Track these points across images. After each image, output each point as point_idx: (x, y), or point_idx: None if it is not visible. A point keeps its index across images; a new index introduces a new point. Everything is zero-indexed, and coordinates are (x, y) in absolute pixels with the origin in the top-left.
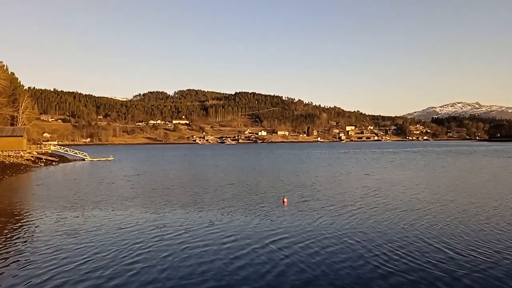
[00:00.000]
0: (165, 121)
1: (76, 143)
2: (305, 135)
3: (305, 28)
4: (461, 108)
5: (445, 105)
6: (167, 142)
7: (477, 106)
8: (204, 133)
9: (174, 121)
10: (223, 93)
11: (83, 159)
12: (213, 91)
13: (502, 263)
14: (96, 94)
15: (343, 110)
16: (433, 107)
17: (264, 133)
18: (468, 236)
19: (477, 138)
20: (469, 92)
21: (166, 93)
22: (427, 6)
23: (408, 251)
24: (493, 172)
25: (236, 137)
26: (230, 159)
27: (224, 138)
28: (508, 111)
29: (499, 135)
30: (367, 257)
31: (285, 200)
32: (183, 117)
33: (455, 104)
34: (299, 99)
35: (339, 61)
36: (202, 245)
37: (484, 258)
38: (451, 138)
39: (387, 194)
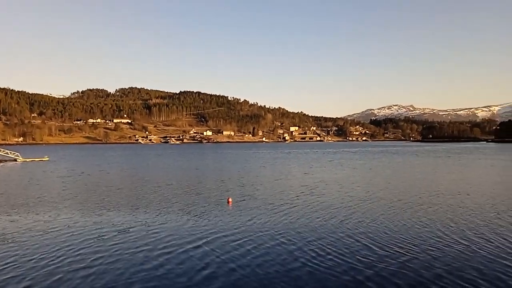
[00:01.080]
0: (106, 120)
1: (7, 142)
2: (250, 135)
3: (249, 29)
4: (397, 111)
5: (383, 108)
6: (108, 141)
7: (411, 108)
8: (147, 132)
9: (115, 120)
10: (167, 92)
11: (15, 160)
12: (157, 89)
13: (420, 256)
14: (30, 90)
15: (287, 111)
16: (372, 109)
17: (209, 133)
18: (392, 232)
19: (411, 138)
20: (404, 96)
21: (106, 90)
22: (365, 7)
23: (336, 248)
24: (423, 171)
25: (181, 137)
26: (174, 159)
27: (168, 138)
28: (439, 113)
29: (431, 136)
30: (297, 254)
31: (230, 200)
32: (125, 116)
33: (391, 106)
34: (245, 100)
35: (284, 63)
36: (134, 248)
37: (404, 252)
38: (388, 139)
39: (323, 192)
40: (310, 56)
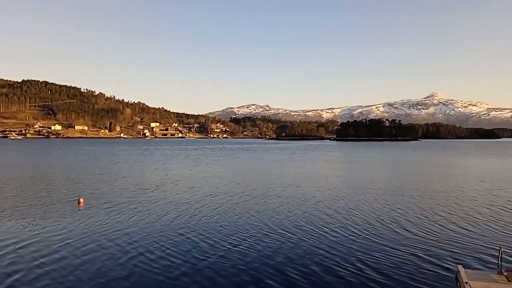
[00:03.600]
0: None
1: None
2: (107, 130)
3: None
4: (255, 110)
5: (242, 106)
6: None
7: (267, 108)
8: None
9: None
10: (6, 80)
11: None
12: None
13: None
14: None
15: (147, 106)
16: (232, 107)
17: (58, 127)
18: (207, 225)
19: (267, 136)
20: (261, 96)
21: None
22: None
23: (163, 244)
24: (271, 166)
25: (23, 131)
26: (14, 156)
27: (7, 133)
28: (291, 114)
29: (284, 134)
30: (132, 254)
31: (81, 200)
32: None
33: (250, 105)
34: (100, 92)
35: (143, 56)
36: None
37: (215, 247)
38: (247, 136)
39: (170, 189)
40: (172, 52)
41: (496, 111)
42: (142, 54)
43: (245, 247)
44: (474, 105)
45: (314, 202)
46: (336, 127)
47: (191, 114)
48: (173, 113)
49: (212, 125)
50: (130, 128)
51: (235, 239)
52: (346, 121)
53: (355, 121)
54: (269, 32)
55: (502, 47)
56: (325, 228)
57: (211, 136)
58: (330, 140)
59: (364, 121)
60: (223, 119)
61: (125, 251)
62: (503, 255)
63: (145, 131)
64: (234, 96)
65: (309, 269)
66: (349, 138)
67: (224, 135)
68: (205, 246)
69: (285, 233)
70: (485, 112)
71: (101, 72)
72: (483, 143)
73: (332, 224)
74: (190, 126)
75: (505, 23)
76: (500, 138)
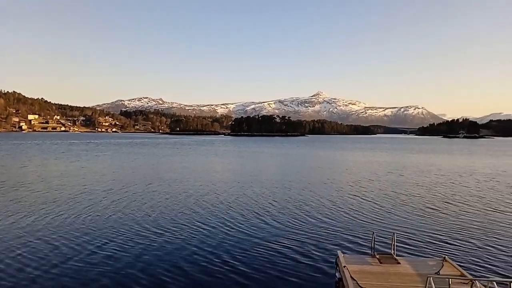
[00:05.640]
0: None
1: None
2: None
3: None
4: (147, 103)
5: (133, 99)
6: None
7: (161, 102)
8: None
9: None
10: None
11: None
12: None
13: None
14: None
15: (24, 96)
16: (122, 100)
17: None
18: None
19: (160, 131)
20: (154, 89)
21: None
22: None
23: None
24: (159, 161)
25: None
26: None
27: None
28: (186, 108)
29: (178, 129)
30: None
31: None
32: None
33: (142, 98)
34: None
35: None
36: None
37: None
38: (139, 131)
39: (39, 187)
40: (51, 35)
41: (372, 109)
42: (17, 37)
43: (112, 248)
44: (354, 104)
45: (195, 197)
46: (230, 123)
47: (76, 106)
48: (55, 104)
49: (100, 118)
50: (4, 120)
51: (101, 240)
52: (240, 117)
53: (248, 117)
54: (166, 24)
55: (376, 52)
56: (200, 224)
57: (99, 130)
58: (225, 135)
59: (257, 117)
60: (112, 112)
61: None
62: (375, 240)
63: (21, 124)
64: (124, 88)
65: (178, 268)
66: (242, 133)
67: (114, 129)
68: (66, 250)
69: (158, 231)
70: (363, 111)
71: None
72: (361, 139)
73: (209, 219)
74: (75, 119)
75: (378, 34)
76: (375, 134)
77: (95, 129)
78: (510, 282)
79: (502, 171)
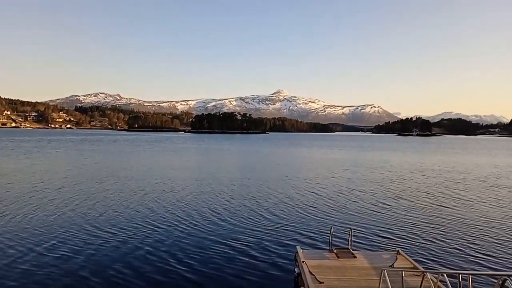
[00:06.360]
0: None
1: None
2: None
3: None
4: (104, 99)
5: (89, 95)
6: None
7: (118, 97)
8: None
9: None
10: None
11: None
12: None
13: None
14: None
15: None
16: (77, 95)
17: None
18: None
19: (118, 128)
20: (111, 84)
21: None
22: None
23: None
24: (113, 159)
25: None
26: None
27: None
28: (145, 104)
29: (136, 125)
30: None
31: None
32: None
33: (98, 94)
34: None
35: None
36: None
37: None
38: (95, 127)
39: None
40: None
41: (330, 108)
42: None
43: (61, 249)
44: (313, 102)
45: (150, 195)
46: (191, 120)
47: (28, 101)
48: (5, 99)
49: (54, 114)
50: None
51: (50, 241)
52: (200, 114)
53: (209, 114)
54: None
55: (334, 53)
56: (156, 223)
57: (53, 126)
58: (185, 132)
59: (217, 114)
60: (67, 108)
61: None
62: (333, 235)
63: None
64: (79, 82)
65: (131, 268)
66: (203, 130)
67: (68, 126)
68: (11, 252)
69: (111, 230)
70: (322, 109)
71: None
72: (320, 136)
73: (164, 218)
74: (27, 114)
75: (337, 34)
76: (334, 131)
77: (48, 125)
78: (459, 273)
79: (451, 168)
